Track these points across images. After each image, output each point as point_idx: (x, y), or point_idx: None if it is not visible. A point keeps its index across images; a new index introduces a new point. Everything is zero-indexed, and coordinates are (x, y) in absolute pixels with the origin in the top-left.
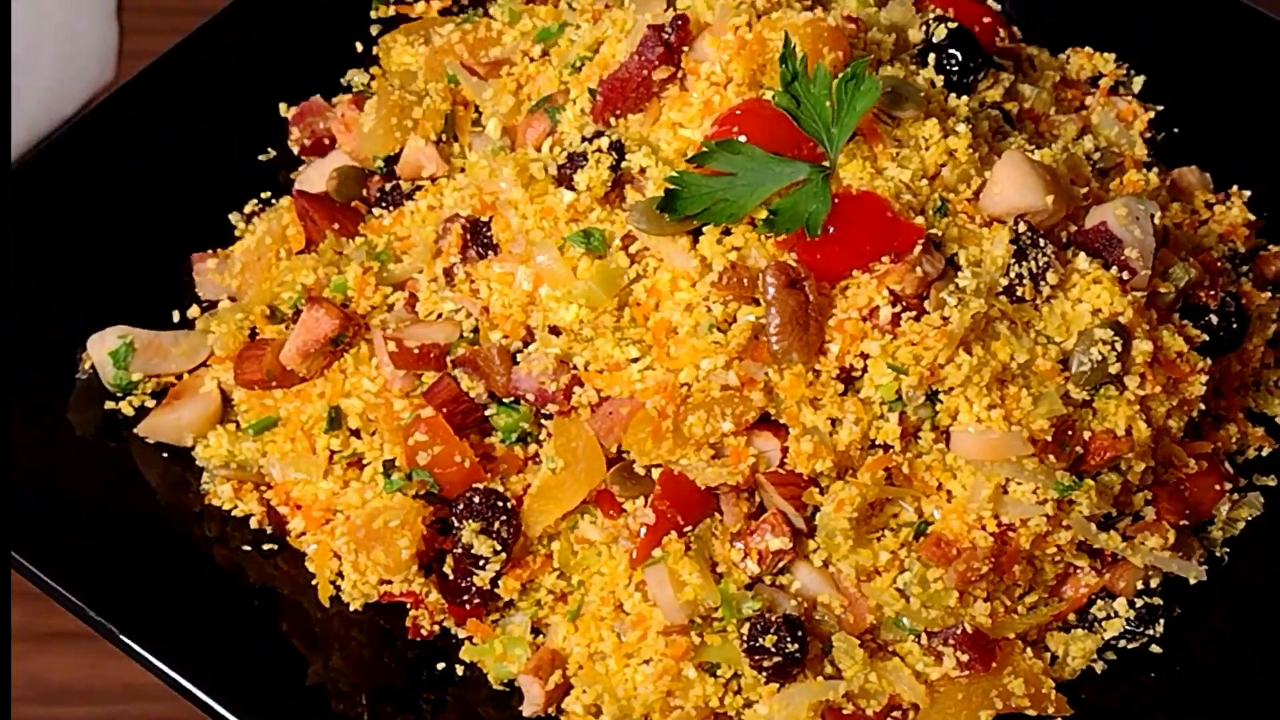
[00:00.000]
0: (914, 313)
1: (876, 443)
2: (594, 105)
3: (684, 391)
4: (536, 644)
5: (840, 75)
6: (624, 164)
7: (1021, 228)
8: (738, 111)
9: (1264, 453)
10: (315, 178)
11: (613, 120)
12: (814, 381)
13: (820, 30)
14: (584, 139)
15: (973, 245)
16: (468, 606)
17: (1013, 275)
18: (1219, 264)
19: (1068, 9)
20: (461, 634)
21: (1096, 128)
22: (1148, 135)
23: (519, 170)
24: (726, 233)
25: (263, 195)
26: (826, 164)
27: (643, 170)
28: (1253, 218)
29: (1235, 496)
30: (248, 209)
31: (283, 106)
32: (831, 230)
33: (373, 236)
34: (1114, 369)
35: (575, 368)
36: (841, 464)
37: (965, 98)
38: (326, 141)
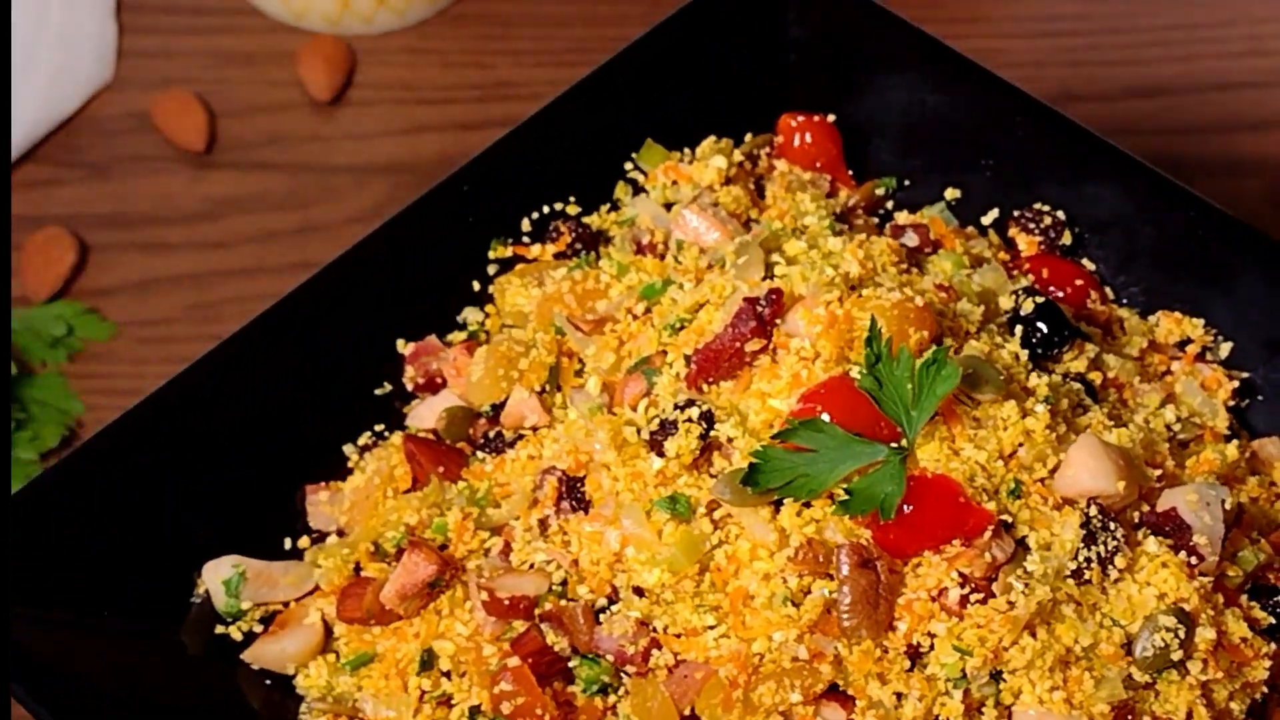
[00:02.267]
0: (982, 595)
1: (940, 718)
2: (689, 372)
3: (756, 661)
4: None
5: (922, 360)
6: (713, 433)
7: (1093, 511)
8: (822, 390)
9: None
10: (427, 414)
11: (705, 386)
12: (882, 657)
13: (907, 311)
14: (676, 406)
15: (1043, 528)
16: None
17: (1081, 559)
18: None
19: (1161, 270)
20: None
21: (1180, 396)
22: (1231, 404)
23: (613, 434)
24: (807, 505)
25: (376, 428)
26: (904, 445)
27: (730, 440)
28: None
29: None
30: (361, 441)
31: (400, 343)
32: (906, 510)
33: (474, 481)
34: (1176, 655)
35: (655, 630)
36: None
37: (1046, 376)
38: (439, 380)
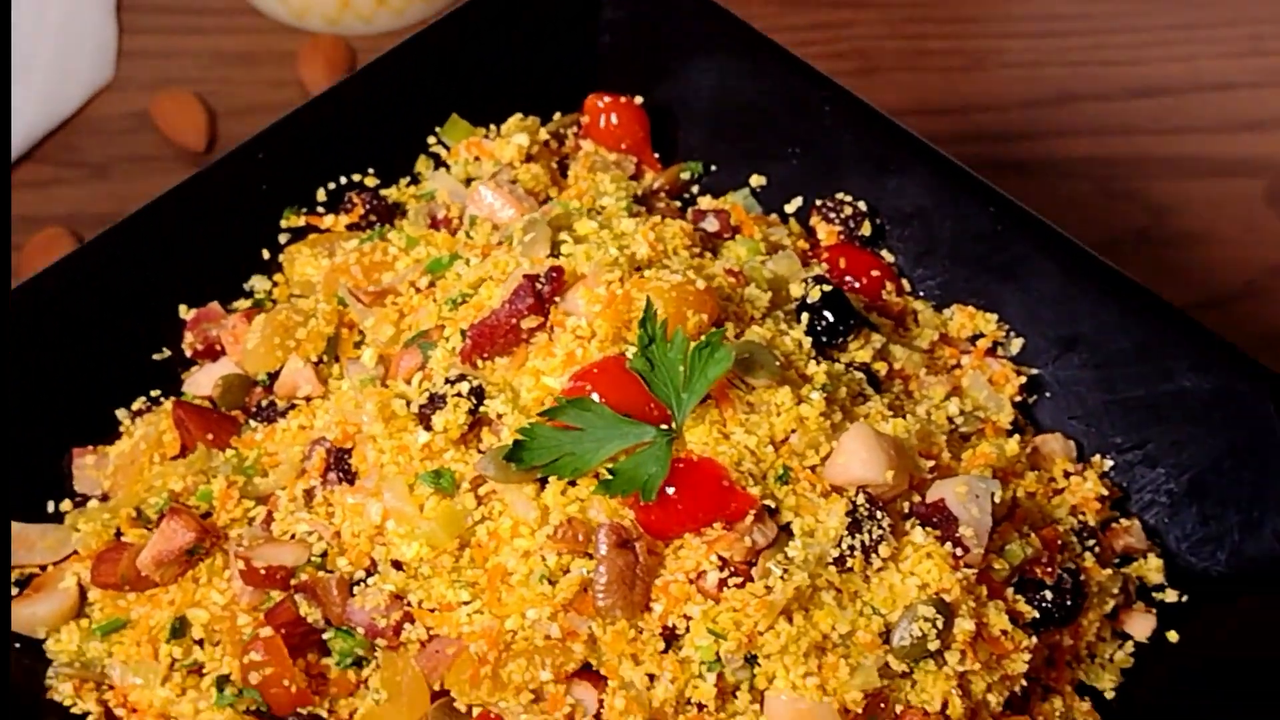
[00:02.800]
0: (740, 579)
1: (692, 701)
2: (464, 347)
3: (508, 638)
4: None
5: (696, 343)
6: (482, 409)
7: (860, 500)
8: (594, 370)
9: None
10: (204, 381)
11: (480, 362)
12: (636, 638)
13: (686, 294)
14: (447, 380)
15: (809, 515)
16: None
17: (844, 547)
18: (1063, 538)
19: (958, 264)
20: None
21: (966, 390)
22: (1018, 399)
23: (381, 406)
24: (573, 484)
25: (153, 394)
26: (671, 428)
27: (500, 416)
28: (1105, 491)
29: None
30: (135, 406)
31: (183, 309)
32: (670, 493)
33: (244, 450)
34: (933, 645)
35: (409, 605)
36: (657, 719)
37: (825, 365)
38: (218, 347)
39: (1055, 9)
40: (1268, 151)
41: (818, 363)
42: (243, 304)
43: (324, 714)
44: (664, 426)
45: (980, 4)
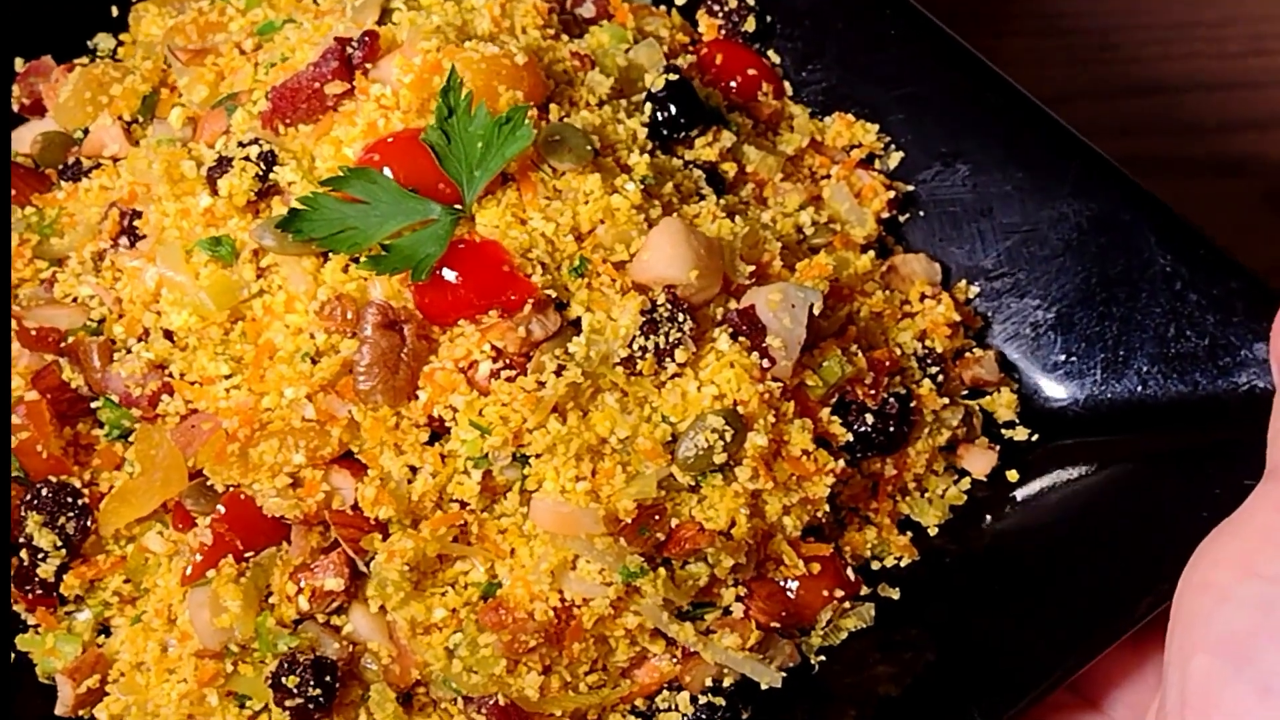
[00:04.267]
0: (515, 373)
1: (456, 498)
2: (264, 111)
3: (266, 417)
4: (99, 644)
5: (495, 118)
6: (273, 176)
7: (661, 299)
8: (389, 141)
9: (902, 563)
10: (27, 137)
11: (282, 128)
12: (398, 425)
13: (500, 67)
14: (240, 144)
15: (602, 310)
16: (29, 596)
17: (635, 347)
18: (903, 363)
19: (845, 69)
20: (31, 620)
21: (827, 201)
22: (886, 216)
23: (168, 166)
24: (356, 261)
25: None
26: (460, 208)
27: (291, 184)
28: (958, 318)
29: (847, 605)
30: None
31: (19, 62)
32: (449, 276)
33: (47, 209)
34: (719, 459)
35: (170, 376)
36: (416, 513)
37: (655, 158)
38: (45, 104)
39: (1055, 8)
40: (1267, 151)
41: (644, 154)
42: (82, 61)
43: (78, 484)
44: (455, 206)
45: (981, 2)
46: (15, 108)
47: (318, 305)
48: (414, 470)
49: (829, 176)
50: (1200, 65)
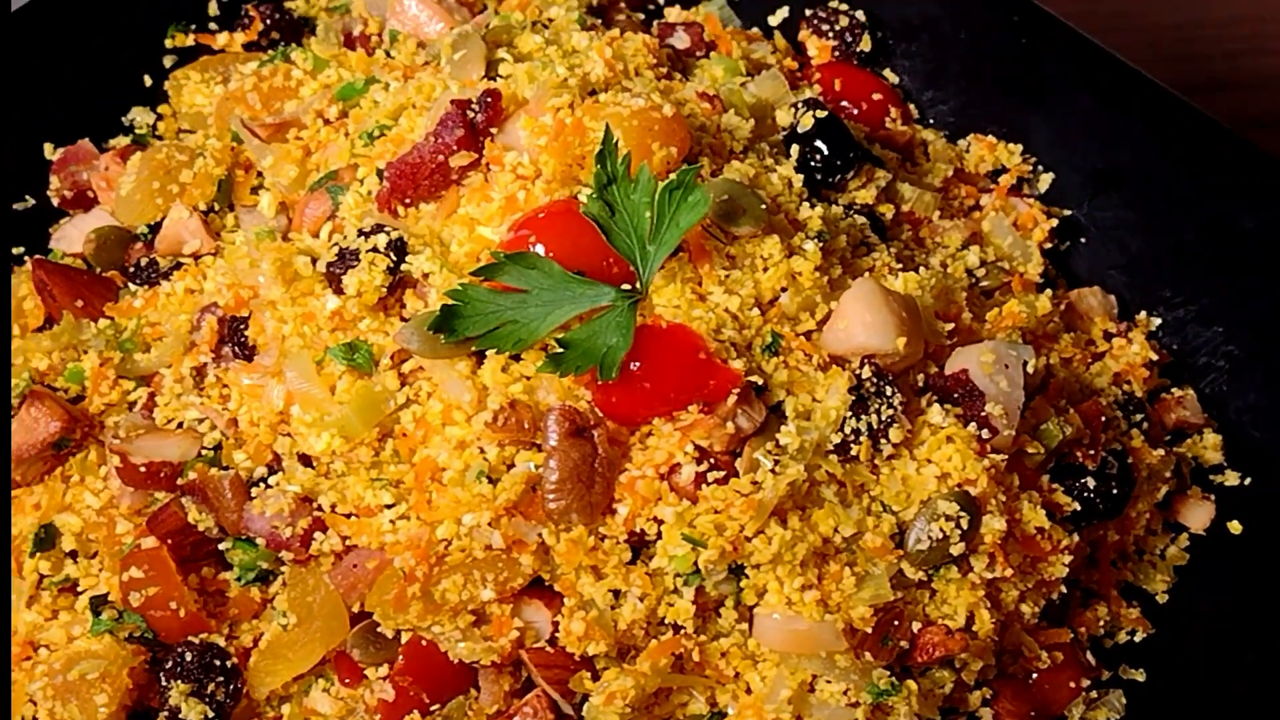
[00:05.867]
0: (722, 473)
1: (666, 621)
2: (381, 191)
3: (441, 549)
4: None
5: (665, 183)
6: (405, 266)
7: (866, 373)
8: (540, 217)
9: (1136, 638)
10: (75, 235)
11: (401, 209)
12: (596, 547)
13: (651, 123)
14: (361, 232)
15: (804, 393)
16: None
17: (848, 431)
18: (1107, 413)
19: (975, 85)
20: None
21: (988, 236)
22: (1048, 247)
23: (280, 265)
24: (516, 359)
25: (15, 251)
26: (636, 288)
27: (426, 276)
28: (1155, 356)
29: (1094, 695)
30: None
31: (48, 148)
32: (634, 368)
33: (121, 320)
34: (957, 549)
35: (320, 509)
36: (623, 644)
37: (821, 206)
38: (90, 194)
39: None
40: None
41: (811, 205)
42: (120, 142)
43: (221, 641)
44: (626, 287)
45: None
46: (55, 201)
47: (488, 415)
48: (616, 594)
49: (978, 207)
50: (1201, 66)
